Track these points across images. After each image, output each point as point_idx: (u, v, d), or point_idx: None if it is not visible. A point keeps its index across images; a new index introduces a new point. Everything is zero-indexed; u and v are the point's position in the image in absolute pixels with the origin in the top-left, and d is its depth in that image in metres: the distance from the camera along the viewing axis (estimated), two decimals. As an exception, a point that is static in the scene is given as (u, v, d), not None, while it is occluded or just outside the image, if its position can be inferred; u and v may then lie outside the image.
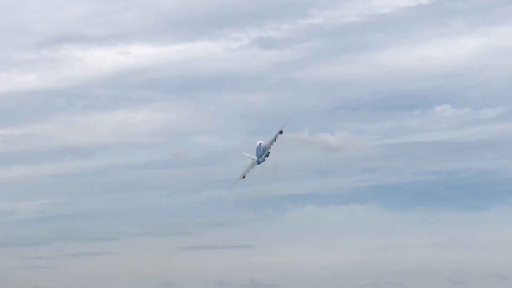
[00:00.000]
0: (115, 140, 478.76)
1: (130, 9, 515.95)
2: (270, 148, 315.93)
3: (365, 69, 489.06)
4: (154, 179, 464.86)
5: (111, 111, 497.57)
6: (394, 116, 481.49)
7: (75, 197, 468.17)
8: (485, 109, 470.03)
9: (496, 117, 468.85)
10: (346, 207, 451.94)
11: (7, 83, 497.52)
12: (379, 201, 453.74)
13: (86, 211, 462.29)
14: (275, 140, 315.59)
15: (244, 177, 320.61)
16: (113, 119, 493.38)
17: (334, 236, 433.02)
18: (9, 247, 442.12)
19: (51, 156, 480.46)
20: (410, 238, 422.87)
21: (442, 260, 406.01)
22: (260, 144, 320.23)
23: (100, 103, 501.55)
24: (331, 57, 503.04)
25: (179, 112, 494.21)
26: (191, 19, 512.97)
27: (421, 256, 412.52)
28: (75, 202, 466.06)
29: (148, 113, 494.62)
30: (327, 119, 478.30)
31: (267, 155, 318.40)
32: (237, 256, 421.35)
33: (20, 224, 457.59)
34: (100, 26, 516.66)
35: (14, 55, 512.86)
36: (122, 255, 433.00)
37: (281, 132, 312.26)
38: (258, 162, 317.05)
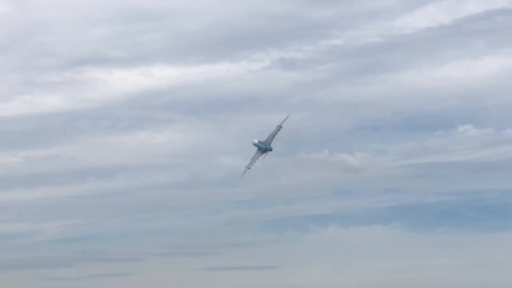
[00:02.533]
0: (137, 161, 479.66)
1: (152, 31, 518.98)
2: (271, 142, 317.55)
3: (386, 89, 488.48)
4: (176, 200, 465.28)
5: (133, 132, 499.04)
6: (416, 136, 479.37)
7: (97, 218, 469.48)
8: (508, 129, 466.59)
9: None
10: (368, 228, 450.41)
11: (30, 105, 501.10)
12: (401, 222, 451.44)
13: (108, 232, 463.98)
14: (275, 135, 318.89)
15: (249, 168, 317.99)
16: (135, 140, 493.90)
17: (356, 257, 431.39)
18: (31, 268, 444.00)
19: (74, 178, 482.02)
20: (432, 259, 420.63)
21: (465, 281, 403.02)
22: (258, 141, 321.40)
23: (122, 124, 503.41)
24: (352, 77, 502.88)
25: (200, 133, 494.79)
26: (213, 40, 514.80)
27: (443, 277, 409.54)
28: (97, 223, 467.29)
29: (170, 134, 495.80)
30: (347, 139, 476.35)
31: (270, 150, 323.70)
32: (259, 277, 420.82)
33: (42, 245, 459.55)
34: (122, 48, 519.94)
35: (37, 77, 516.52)
36: (143, 276, 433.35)
37: (280, 126, 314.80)
38: (265, 150, 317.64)
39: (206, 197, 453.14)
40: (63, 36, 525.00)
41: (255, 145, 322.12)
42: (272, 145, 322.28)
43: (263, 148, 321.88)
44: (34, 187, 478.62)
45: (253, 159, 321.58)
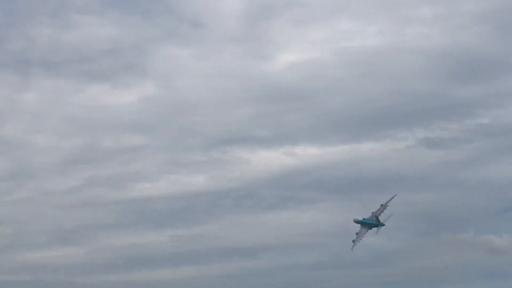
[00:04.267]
0: (281, 241, 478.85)
1: (295, 110, 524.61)
2: (379, 215, 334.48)
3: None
4: (319, 279, 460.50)
5: (276, 211, 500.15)
6: None
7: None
8: None
9: None
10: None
11: (177, 184, 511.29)
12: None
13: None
14: (381, 213, 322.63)
15: (359, 242, 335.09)
16: (278, 219, 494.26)
17: None
18: None
19: (219, 257, 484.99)
20: None
21: None
22: (362, 218, 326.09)
23: (266, 203, 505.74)
24: (499, 157, 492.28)
25: (344, 213, 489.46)
26: (356, 119, 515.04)
27: None
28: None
29: (313, 214, 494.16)
30: (494, 220, 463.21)
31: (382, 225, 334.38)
32: None
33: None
34: (266, 127, 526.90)
35: (183, 157, 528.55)
36: None
37: (386, 206, 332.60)
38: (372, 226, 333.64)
39: (351, 277, 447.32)
40: (209, 116, 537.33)
41: (358, 222, 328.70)
42: (385, 221, 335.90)
43: (369, 224, 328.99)
44: (180, 266, 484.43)
45: (360, 235, 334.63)
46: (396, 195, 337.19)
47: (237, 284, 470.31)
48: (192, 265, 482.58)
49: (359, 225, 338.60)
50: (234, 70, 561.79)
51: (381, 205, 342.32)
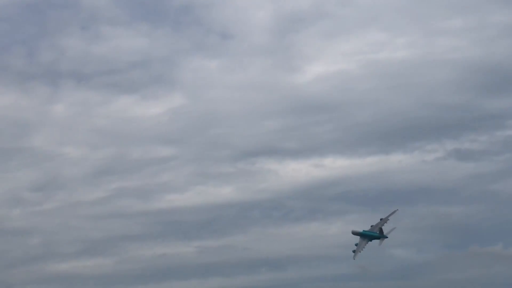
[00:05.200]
0: (309, 252, 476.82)
1: (323, 122, 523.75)
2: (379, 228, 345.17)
3: None
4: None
5: (305, 223, 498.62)
6: None
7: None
8: None
9: None
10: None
11: (205, 196, 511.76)
12: None
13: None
14: (381, 226, 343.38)
15: (359, 252, 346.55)
16: (306, 231, 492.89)
17: None
18: None
19: (246, 268, 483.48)
20: None
21: None
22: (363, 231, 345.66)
23: (294, 215, 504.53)
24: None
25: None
26: (384, 131, 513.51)
27: None
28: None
29: (342, 225, 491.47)
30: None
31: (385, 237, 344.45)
32: None
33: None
34: (294, 139, 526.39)
35: (211, 168, 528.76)
36: None
37: (387, 220, 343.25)
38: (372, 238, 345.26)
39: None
40: (237, 128, 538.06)
41: (357, 234, 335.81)
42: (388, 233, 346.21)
43: (370, 236, 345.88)
44: (207, 277, 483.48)
45: (360, 246, 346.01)
46: (398, 210, 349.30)
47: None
48: (220, 276, 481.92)
49: (358, 236, 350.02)
50: (262, 82, 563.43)
51: (380, 219, 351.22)
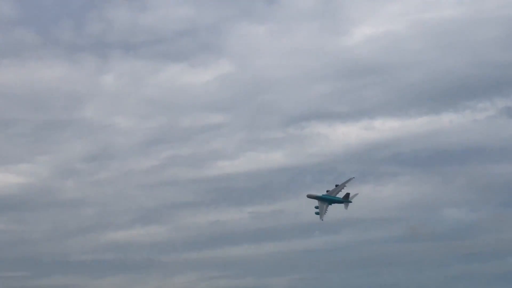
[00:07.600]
0: (361, 215, 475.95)
1: (373, 85, 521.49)
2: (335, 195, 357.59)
3: None
4: (400, 252, 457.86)
5: (356, 186, 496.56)
6: None
7: (324, 273, 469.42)
8: None
9: None
10: None
11: (256, 162, 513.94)
12: None
13: (333, 286, 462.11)
14: (338, 191, 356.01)
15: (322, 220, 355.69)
16: (359, 194, 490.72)
17: None
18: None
19: (299, 232, 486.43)
20: None
21: None
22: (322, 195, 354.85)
23: (345, 178, 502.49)
24: None
25: (425, 186, 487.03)
26: (435, 91, 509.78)
27: None
28: (323, 278, 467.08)
29: (394, 188, 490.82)
30: None
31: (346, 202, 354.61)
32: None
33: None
34: (344, 103, 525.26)
35: (262, 134, 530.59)
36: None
37: (344, 186, 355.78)
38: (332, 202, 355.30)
39: (433, 250, 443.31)
40: (286, 93, 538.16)
41: (314, 197, 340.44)
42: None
43: (329, 200, 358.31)
44: (261, 242, 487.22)
45: (322, 208, 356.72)
46: (354, 177, 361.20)
47: (318, 259, 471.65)
48: (273, 241, 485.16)
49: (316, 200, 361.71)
50: (310, 46, 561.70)
51: (336, 185, 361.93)
